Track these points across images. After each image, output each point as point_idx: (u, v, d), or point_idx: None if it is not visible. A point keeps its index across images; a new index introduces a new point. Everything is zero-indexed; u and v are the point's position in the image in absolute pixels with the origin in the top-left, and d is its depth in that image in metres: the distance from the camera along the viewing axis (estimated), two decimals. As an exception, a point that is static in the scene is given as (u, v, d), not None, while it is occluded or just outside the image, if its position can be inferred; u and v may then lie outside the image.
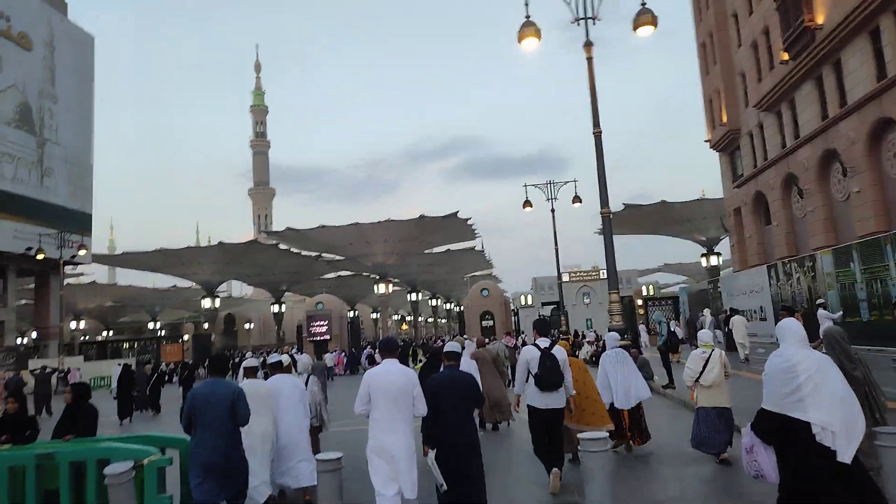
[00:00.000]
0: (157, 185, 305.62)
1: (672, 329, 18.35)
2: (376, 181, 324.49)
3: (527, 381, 6.91)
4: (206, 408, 5.45)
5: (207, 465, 5.32)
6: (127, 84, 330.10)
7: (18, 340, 48.58)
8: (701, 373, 7.50)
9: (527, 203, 29.04)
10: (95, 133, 46.56)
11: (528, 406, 6.92)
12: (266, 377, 7.85)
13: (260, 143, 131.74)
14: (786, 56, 23.63)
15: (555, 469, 6.82)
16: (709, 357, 7.53)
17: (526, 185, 29.05)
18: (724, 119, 31.21)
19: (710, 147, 33.70)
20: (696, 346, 8.03)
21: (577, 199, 28.74)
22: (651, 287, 54.44)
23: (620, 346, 9.19)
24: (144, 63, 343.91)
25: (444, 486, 5.11)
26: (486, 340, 19.84)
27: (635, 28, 12.04)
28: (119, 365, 22.06)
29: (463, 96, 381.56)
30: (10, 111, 39.02)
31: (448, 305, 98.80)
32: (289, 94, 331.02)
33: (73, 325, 67.56)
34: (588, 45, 12.50)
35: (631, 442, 8.49)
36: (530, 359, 6.83)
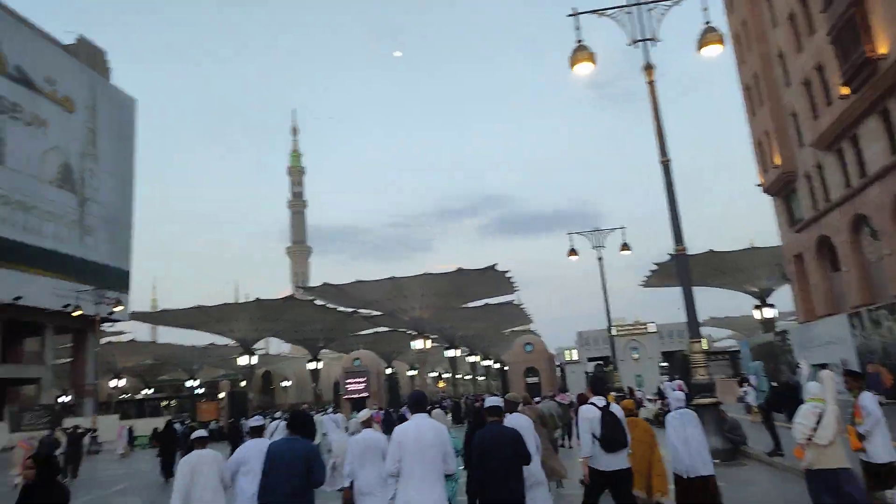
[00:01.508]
0: (198, 247, 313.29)
1: (790, 380, 15.52)
2: (409, 239, 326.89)
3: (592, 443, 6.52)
4: (283, 465, 5.30)
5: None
6: (169, 146, 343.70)
7: (60, 399, 48.32)
8: (814, 429, 6.46)
9: (572, 252, 27.69)
10: (138, 195, 47.32)
11: (591, 468, 6.53)
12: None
13: (297, 203, 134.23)
14: (846, 90, 22.24)
15: None
16: (822, 412, 6.53)
17: (570, 233, 27.74)
18: (778, 161, 29.67)
19: (764, 191, 32.06)
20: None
21: (625, 246, 27.26)
22: (705, 341, 51.67)
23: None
24: (185, 124, 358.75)
25: None
26: (537, 399, 18.31)
27: (701, 48, 10.94)
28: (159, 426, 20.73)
29: (492, 154, 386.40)
30: (53, 171, 39.84)
31: (486, 362, 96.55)
32: (324, 155, 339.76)
33: (112, 383, 67.64)
34: (648, 67, 11.42)
35: None
36: (592, 418, 6.51)
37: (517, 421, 6.65)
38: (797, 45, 26.77)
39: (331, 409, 34.29)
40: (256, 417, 8.23)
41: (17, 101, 37.56)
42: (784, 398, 14.66)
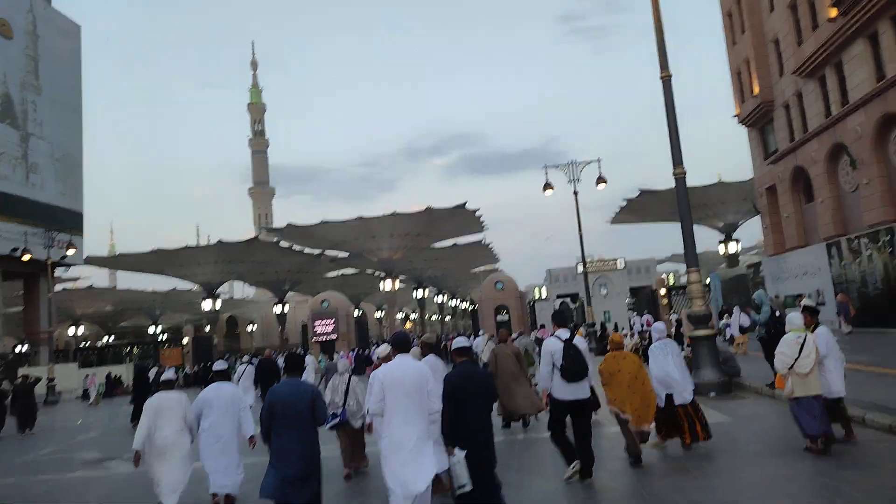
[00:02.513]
0: (156, 187, 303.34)
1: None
2: (376, 179, 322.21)
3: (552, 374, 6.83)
4: (287, 408, 5.31)
5: (292, 475, 5.19)
6: (119, 81, 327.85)
7: (18, 349, 46.56)
8: (796, 359, 6.89)
9: (547, 186, 26.87)
10: (91, 135, 44.40)
11: (553, 398, 6.84)
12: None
13: (259, 141, 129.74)
14: (834, 12, 21.42)
15: (576, 462, 6.70)
16: (804, 341, 6.92)
17: (546, 167, 26.84)
18: (756, 90, 28.98)
19: (739, 122, 31.48)
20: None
21: (601, 179, 26.57)
22: (672, 276, 52.16)
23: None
24: (135, 58, 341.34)
25: (468, 487, 4.95)
26: (513, 335, 17.80)
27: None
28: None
29: (458, 92, 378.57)
30: (-10, 103, 36.84)
31: (454, 302, 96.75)
32: (285, 93, 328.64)
33: (71, 331, 65.74)
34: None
35: (688, 438, 7.63)
36: (554, 351, 6.79)
37: (430, 362, 6.72)
38: (783, -35, 25.66)
39: (299, 351, 33.62)
40: (220, 362, 8.22)
41: (-58, 24, 34.25)
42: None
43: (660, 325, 8.61)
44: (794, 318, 7.30)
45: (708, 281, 34.55)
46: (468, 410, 5.23)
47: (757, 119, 30.08)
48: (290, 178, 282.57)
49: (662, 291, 37.66)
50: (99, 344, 68.26)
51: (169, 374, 7.75)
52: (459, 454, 5.03)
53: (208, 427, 7.09)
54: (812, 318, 7.40)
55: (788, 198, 27.94)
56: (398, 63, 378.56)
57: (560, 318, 7.39)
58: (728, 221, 50.13)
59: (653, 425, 7.49)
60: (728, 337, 19.74)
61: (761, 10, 28.77)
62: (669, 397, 7.65)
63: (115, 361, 44.83)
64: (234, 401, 7.29)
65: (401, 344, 5.43)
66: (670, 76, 10.06)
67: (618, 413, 7.24)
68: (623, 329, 27.36)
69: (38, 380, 24.41)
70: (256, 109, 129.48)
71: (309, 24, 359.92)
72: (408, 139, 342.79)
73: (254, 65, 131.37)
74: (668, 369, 7.68)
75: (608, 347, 7.79)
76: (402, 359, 5.29)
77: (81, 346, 63.59)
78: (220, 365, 7.95)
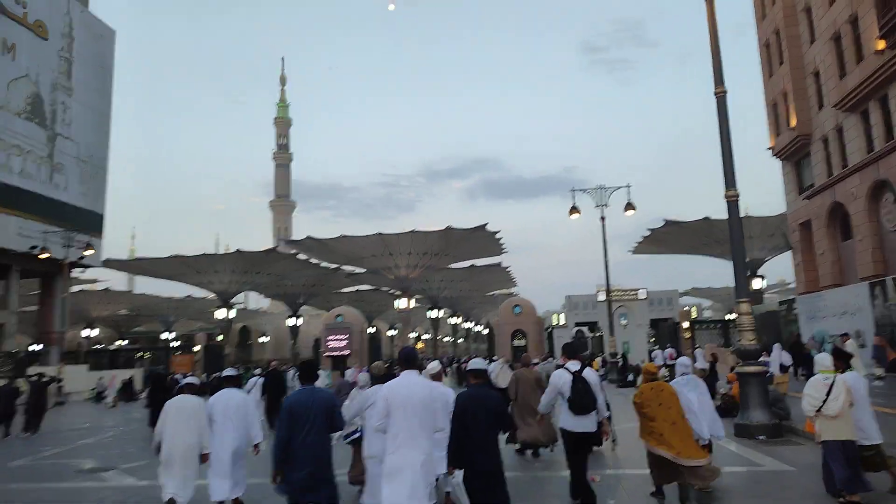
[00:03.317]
0: (179, 195, 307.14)
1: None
2: (395, 199, 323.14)
3: (555, 404, 6.95)
4: (304, 414, 5.38)
5: (307, 478, 5.32)
6: (150, 90, 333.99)
7: (32, 347, 46.42)
8: (824, 402, 6.60)
9: (574, 210, 26.22)
10: (117, 141, 44.76)
11: (561, 430, 6.89)
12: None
13: (282, 155, 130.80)
14: (882, 44, 20.69)
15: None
16: (832, 383, 6.62)
17: (574, 190, 26.21)
18: (793, 123, 28.20)
19: (774, 154, 30.67)
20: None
21: (630, 206, 25.93)
22: (695, 309, 50.88)
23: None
24: (167, 67, 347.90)
25: None
26: (535, 361, 17.17)
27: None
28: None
29: (479, 116, 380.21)
30: (21, 102, 36.98)
31: (468, 324, 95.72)
32: (311, 111, 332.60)
33: (85, 332, 65.79)
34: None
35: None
36: (562, 382, 6.81)
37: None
38: (828, -4, 25.04)
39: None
40: (230, 368, 8.35)
41: (-19, 22, 34.61)
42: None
43: (685, 359, 8.31)
44: (823, 358, 7.04)
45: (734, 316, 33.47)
46: (475, 433, 5.21)
47: (793, 152, 29.25)
48: (311, 194, 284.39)
49: (685, 324, 36.49)
50: (111, 347, 68.20)
51: (192, 378, 7.86)
52: (458, 476, 5.01)
53: (216, 432, 7.10)
54: (840, 361, 7.13)
55: (824, 234, 26.96)
56: (420, 85, 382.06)
57: (570, 350, 7.41)
58: (754, 257, 48.94)
59: (708, 460, 6.85)
60: (767, 376, 18.74)
61: (801, 41, 28.14)
62: None
63: (126, 365, 44.57)
64: (243, 407, 7.30)
65: (408, 360, 5.32)
66: (725, 92, 9.43)
67: (661, 453, 6.69)
68: (660, 360, 26.33)
69: (52, 379, 24.07)
70: (282, 124, 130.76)
71: (336, 41, 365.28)
72: (428, 161, 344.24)
73: (282, 80, 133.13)
74: (692, 406, 7.27)
75: (643, 377, 7.37)
76: (408, 375, 5.12)
77: (94, 348, 63.57)
78: (230, 371, 8.00)
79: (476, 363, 5.83)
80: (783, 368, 16.29)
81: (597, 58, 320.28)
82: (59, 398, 30.11)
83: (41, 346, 43.14)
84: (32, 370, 29.55)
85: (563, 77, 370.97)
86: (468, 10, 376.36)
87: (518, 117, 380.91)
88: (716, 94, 9.43)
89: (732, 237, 9.18)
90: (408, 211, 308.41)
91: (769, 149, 31.05)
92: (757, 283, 48.89)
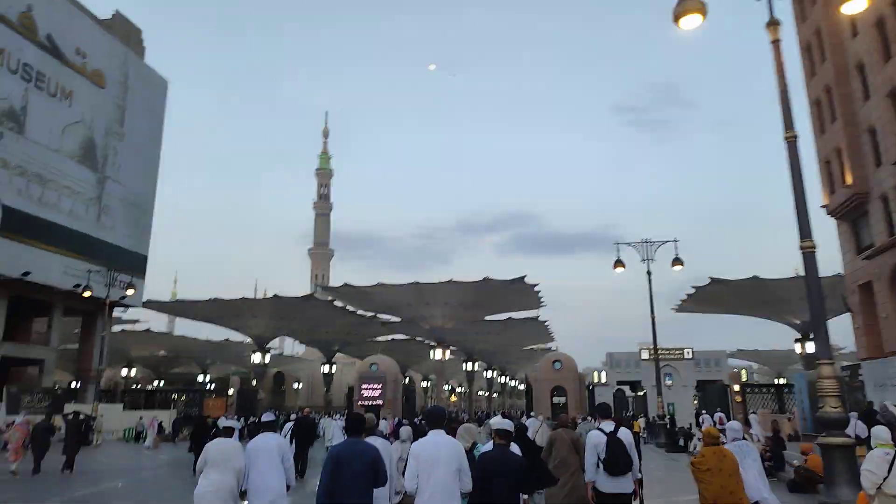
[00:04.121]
0: (221, 242, 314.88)
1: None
2: (430, 251, 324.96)
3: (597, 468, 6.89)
4: (350, 466, 5.38)
5: None
6: (199, 141, 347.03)
7: (71, 384, 46.89)
8: (885, 478, 6.15)
9: (618, 263, 25.42)
10: (165, 186, 46.01)
11: (595, 490, 6.89)
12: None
13: (322, 205, 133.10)
14: (946, 100, 19.83)
15: None
16: (893, 459, 6.18)
17: (618, 244, 25.48)
18: (849, 180, 27.15)
19: (828, 213, 29.49)
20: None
21: (677, 261, 25.00)
22: (744, 371, 48.68)
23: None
24: (215, 118, 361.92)
25: None
26: (576, 419, 16.35)
27: (677, 18, 8.98)
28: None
29: (515, 171, 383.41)
30: (75, 146, 38.37)
31: (503, 378, 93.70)
32: (351, 162, 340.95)
33: (123, 371, 66.50)
34: (773, 23, 9.31)
35: None
36: (598, 443, 6.87)
37: (376, 442, 6.37)
38: (884, 52, 24.39)
39: (338, 416, 32.26)
40: (268, 413, 8.42)
41: (44, 70, 36.25)
42: None
43: (735, 423, 8.08)
44: (881, 431, 6.66)
45: (782, 381, 31.72)
46: (494, 495, 5.23)
47: (849, 211, 28.05)
48: (347, 244, 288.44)
49: (736, 387, 34.70)
50: (149, 388, 68.58)
51: (231, 422, 8.04)
52: None
53: (256, 476, 7.18)
54: None
55: (887, 296, 25.47)
56: (457, 139, 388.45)
57: (603, 410, 7.59)
58: (805, 319, 46.88)
59: None
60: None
61: (854, 99, 27.36)
62: None
63: (161, 406, 44.47)
64: (279, 451, 7.39)
65: (435, 420, 5.46)
66: (796, 137, 8.84)
67: None
68: (710, 423, 24.91)
69: (88, 417, 24.03)
70: (323, 175, 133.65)
71: (376, 96, 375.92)
72: (463, 214, 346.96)
73: (325, 133, 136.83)
74: (747, 475, 7.11)
75: (703, 441, 7.22)
76: (435, 435, 5.29)
77: (132, 387, 63.99)
78: (268, 416, 8.18)
79: (500, 423, 5.72)
80: (859, 440, 15.00)
81: (633, 118, 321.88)
82: (91, 436, 29.92)
83: (79, 384, 43.49)
84: (69, 408, 29.59)
85: (601, 134, 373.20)
86: (508, 66, 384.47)
87: (554, 174, 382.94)
88: (786, 138, 8.86)
89: (810, 293, 8.42)
90: (443, 263, 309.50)
91: (823, 206, 29.90)
92: (809, 347, 46.70)
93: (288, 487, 7.26)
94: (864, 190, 26.58)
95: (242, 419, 38.46)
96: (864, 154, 26.72)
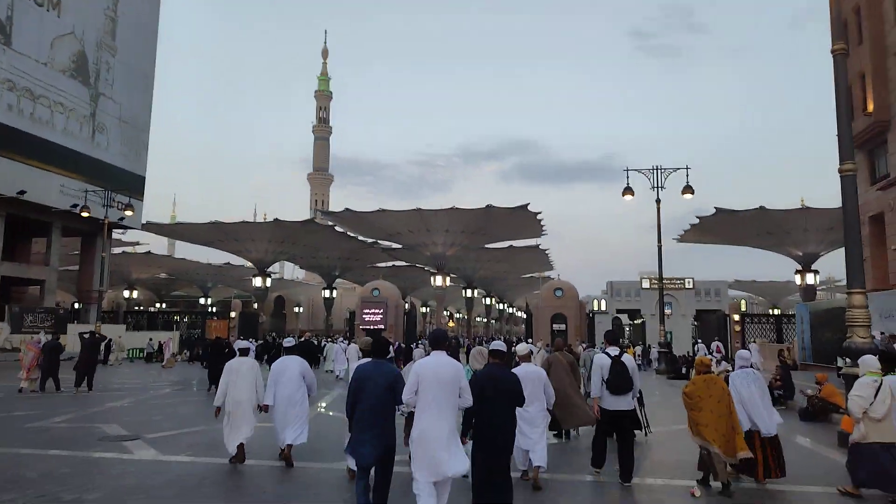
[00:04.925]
0: (219, 165, 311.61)
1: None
2: (430, 179, 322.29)
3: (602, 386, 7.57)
4: (371, 384, 5.74)
5: (369, 442, 5.59)
6: (193, 61, 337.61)
7: (74, 305, 47.09)
8: (871, 403, 6.62)
9: (627, 190, 24.85)
10: (161, 108, 44.79)
11: (599, 407, 7.66)
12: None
13: (322, 128, 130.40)
14: None
15: (600, 472, 7.67)
16: (879, 386, 6.65)
17: (627, 170, 24.82)
18: (870, 108, 26.17)
19: (845, 142, 28.64)
20: None
21: (688, 188, 24.43)
22: (743, 302, 48.94)
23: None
24: (211, 39, 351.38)
25: (467, 476, 5.53)
26: (570, 344, 16.77)
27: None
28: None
29: (519, 98, 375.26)
30: (67, 60, 36.86)
31: (501, 305, 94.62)
32: (351, 86, 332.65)
33: (125, 293, 66.91)
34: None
35: (762, 473, 7.38)
36: (603, 365, 7.60)
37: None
38: (920, -30, 22.92)
39: (340, 339, 32.50)
40: (289, 339, 9.73)
41: (28, -23, 34.32)
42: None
43: (743, 352, 8.37)
44: (869, 360, 7.04)
45: (776, 311, 31.75)
46: (488, 411, 5.61)
47: (866, 140, 27.20)
48: (347, 170, 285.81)
49: (736, 317, 34.80)
50: (151, 309, 69.20)
51: (247, 343, 9.47)
52: (468, 445, 5.61)
53: (281, 392, 8.39)
54: (886, 363, 7.15)
55: (898, 229, 25.08)
56: (460, 64, 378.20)
57: (611, 337, 8.27)
58: (808, 251, 46.65)
59: (746, 453, 7.00)
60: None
61: (884, 20, 26.00)
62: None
63: (164, 328, 44.88)
64: (301, 369, 8.66)
65: (437, 341, 5.76)
66: (844, 50, 8.11)
67: (705, 446, 6.99)
68: (704, 352, 25.01)
69: (104, 339, 24.21)
70: (323, 97, 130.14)
71: (379, 17, 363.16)
72: (465, 141, 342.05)
73: (324, 53, 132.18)
74: (753, 399, 7.40)
75: (696, 370, 7.64)
76: (437, 355, 5.55)
77: (135, 309, 64.55)
78: (289, 341, 9.39)
79: (496, 344, 6.21)
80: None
81: (644, 43, 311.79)
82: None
83: (80, 305, 43.68)
84: (72, 328, 29.62)
85: (607, 61, 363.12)
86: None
87: (559, 101, 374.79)
88: (833, 52, 8.17)
89: (846, 220, 7.96)
90: (443, 191, 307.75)
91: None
92: (810, 279, 46.71)
93: (310, 395, 8.73)
94: (885, 118, 25.68)
95: (253, 340, 38.89)
96: (890, 80, 25.64)
